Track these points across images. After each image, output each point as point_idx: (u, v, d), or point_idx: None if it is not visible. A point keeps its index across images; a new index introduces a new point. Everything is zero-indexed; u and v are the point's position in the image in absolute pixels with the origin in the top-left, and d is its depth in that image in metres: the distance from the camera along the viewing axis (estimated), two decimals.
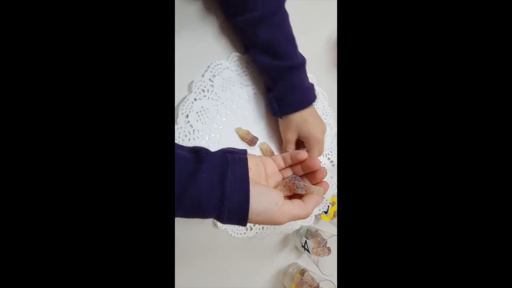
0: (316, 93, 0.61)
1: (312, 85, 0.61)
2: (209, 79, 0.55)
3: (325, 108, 0.70)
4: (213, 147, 0.53)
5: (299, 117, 0.58)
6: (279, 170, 0.45)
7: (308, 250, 0.62)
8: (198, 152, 0.38)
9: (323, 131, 0.60)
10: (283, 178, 0.44)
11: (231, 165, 0.37)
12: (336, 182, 0.68)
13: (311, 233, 0.64)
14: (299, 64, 0.58)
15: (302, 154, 0.43)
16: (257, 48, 0.56)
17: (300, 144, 0.62)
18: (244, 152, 0.40)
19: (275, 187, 0.42)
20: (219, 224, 0.55)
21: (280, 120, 0.61)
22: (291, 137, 0.60)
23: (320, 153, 0.62)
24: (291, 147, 0.61)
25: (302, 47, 0.58)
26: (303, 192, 0.41)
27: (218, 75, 0.56)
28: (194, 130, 0.52)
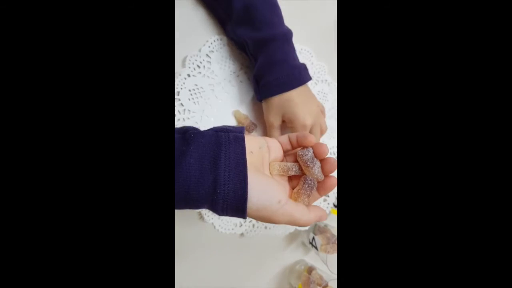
0: (311, 75, 0.52)
1: (302, 64, 0.51)
2: (206, 55, 0.50)
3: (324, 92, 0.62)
4: None
5: (280, 99, 0.49)
6: (284, 154, 0.38)
7: (316, 247, 0.57)
8: (186, 133, 0.32)
9: (313, 114, 0.50)
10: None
11: (224, 145, 0.32)
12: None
13: (319, 229, 0.59)
14: (281, 34, 0.48)
15: (310, 138, 0.36)
16: (233, 20, 0.49)
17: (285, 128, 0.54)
18: (240, 130, 0.35)
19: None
20: (205, 217, 0.50)
21: (263, 102, 0.52)
22: (274, 120, 0.51)
23: (322, 132, 0.53)
24: (275, 132, 0.51)
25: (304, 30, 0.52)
26: (307, 168, 0.35)
27: (216, 51, 0.51)
28: (185, 109, 0.47)
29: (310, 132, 0.50)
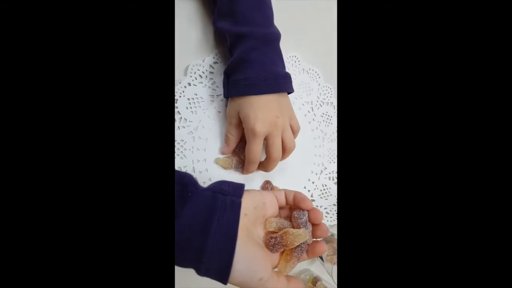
0: (317, 96, 0.52)
1: (283, 72, 0.47)
2: (210, 65, 0.51)
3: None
4: (200, 142, 0.49)
5: (246, 100, 0.45)
6: (279, 209, 0.39)
7: (321, 258, 0.56)
8: (185, 186, 0.33)
9: (268, 123, 0.44)
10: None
11: (220, 211, 0.32)
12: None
13: (325, 238, 0.57)
14: (261, 34, 0.45)
15: (308, 202, 0.37)
16: (217, 11, 0.47)
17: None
18: (239, 194, 0.34)
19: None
20: None
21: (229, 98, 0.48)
22: (231, 118, 0.47)
23: (285, 150, 0.48)
24: (232, 129, 0.48)
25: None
26: (298, 226, 0.36)
27: (221, 62, 0.52)
28: (181, 118, 0.48)
29: (266, 143, 0.47)
